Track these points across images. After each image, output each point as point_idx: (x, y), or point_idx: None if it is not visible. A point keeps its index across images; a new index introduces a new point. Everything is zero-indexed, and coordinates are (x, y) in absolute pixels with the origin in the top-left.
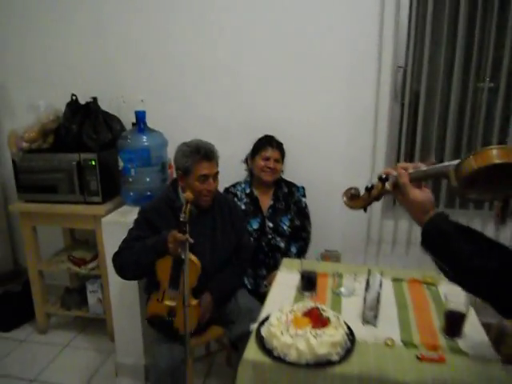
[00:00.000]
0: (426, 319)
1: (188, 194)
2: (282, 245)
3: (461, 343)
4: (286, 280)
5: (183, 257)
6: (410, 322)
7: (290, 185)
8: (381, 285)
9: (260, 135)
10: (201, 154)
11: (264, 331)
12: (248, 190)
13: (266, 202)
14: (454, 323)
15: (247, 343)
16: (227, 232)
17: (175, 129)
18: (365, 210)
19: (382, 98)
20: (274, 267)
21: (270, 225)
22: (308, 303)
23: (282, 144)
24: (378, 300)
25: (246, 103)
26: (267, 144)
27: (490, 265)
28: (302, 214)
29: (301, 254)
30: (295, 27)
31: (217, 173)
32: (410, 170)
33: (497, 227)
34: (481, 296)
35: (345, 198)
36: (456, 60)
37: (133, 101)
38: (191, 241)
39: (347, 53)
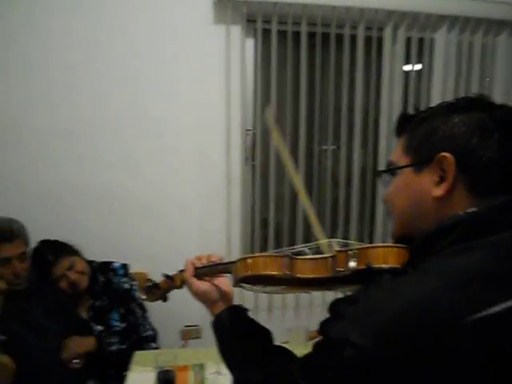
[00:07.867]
0: None
1: None
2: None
3: None
4: (139, 382)
5: None
6: None
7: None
8: None
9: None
10: None
11: None
12: None
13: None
14: None
15: None
16: None
17: None
18: (164, 300)
19: (234, 161)
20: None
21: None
22: None
23: None
24: None
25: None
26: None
27: (253, 377)
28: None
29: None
30: (144, 92)
31: (23, 253)
32: (198, 265)
33: None
34: None
35: (143, 293)
36: (300, 123)
37: None
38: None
39: (194, 118)
